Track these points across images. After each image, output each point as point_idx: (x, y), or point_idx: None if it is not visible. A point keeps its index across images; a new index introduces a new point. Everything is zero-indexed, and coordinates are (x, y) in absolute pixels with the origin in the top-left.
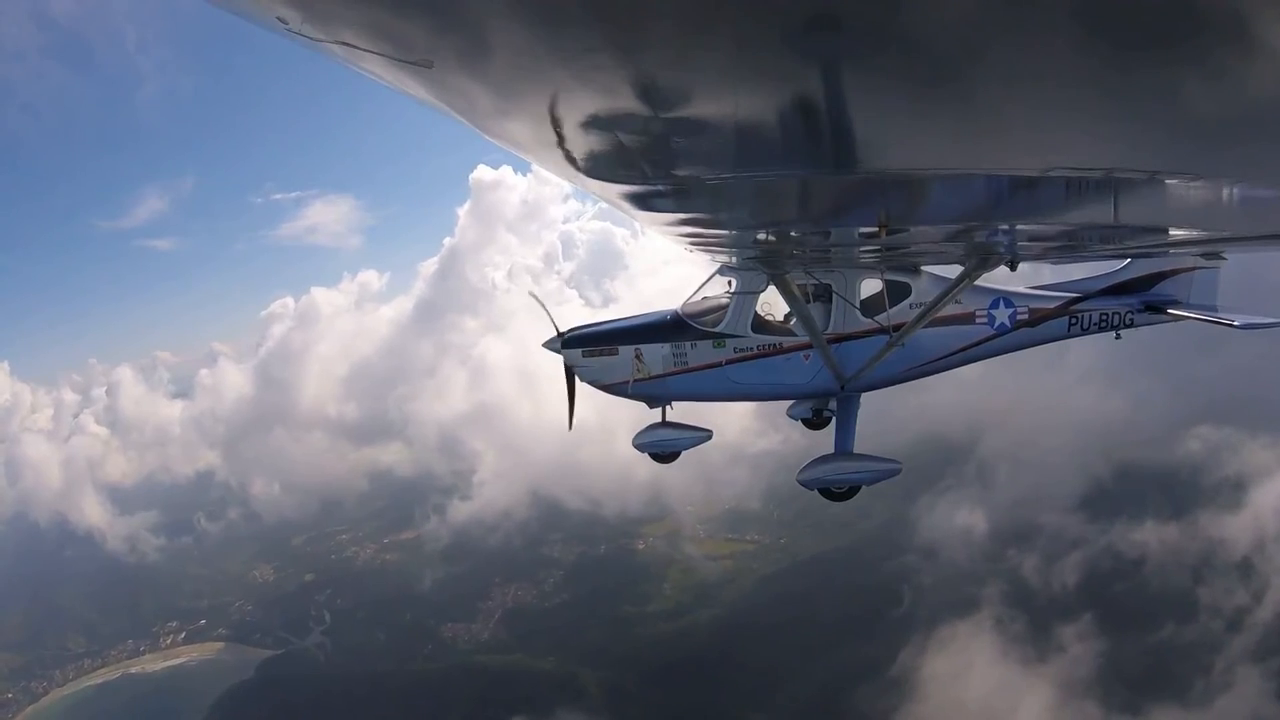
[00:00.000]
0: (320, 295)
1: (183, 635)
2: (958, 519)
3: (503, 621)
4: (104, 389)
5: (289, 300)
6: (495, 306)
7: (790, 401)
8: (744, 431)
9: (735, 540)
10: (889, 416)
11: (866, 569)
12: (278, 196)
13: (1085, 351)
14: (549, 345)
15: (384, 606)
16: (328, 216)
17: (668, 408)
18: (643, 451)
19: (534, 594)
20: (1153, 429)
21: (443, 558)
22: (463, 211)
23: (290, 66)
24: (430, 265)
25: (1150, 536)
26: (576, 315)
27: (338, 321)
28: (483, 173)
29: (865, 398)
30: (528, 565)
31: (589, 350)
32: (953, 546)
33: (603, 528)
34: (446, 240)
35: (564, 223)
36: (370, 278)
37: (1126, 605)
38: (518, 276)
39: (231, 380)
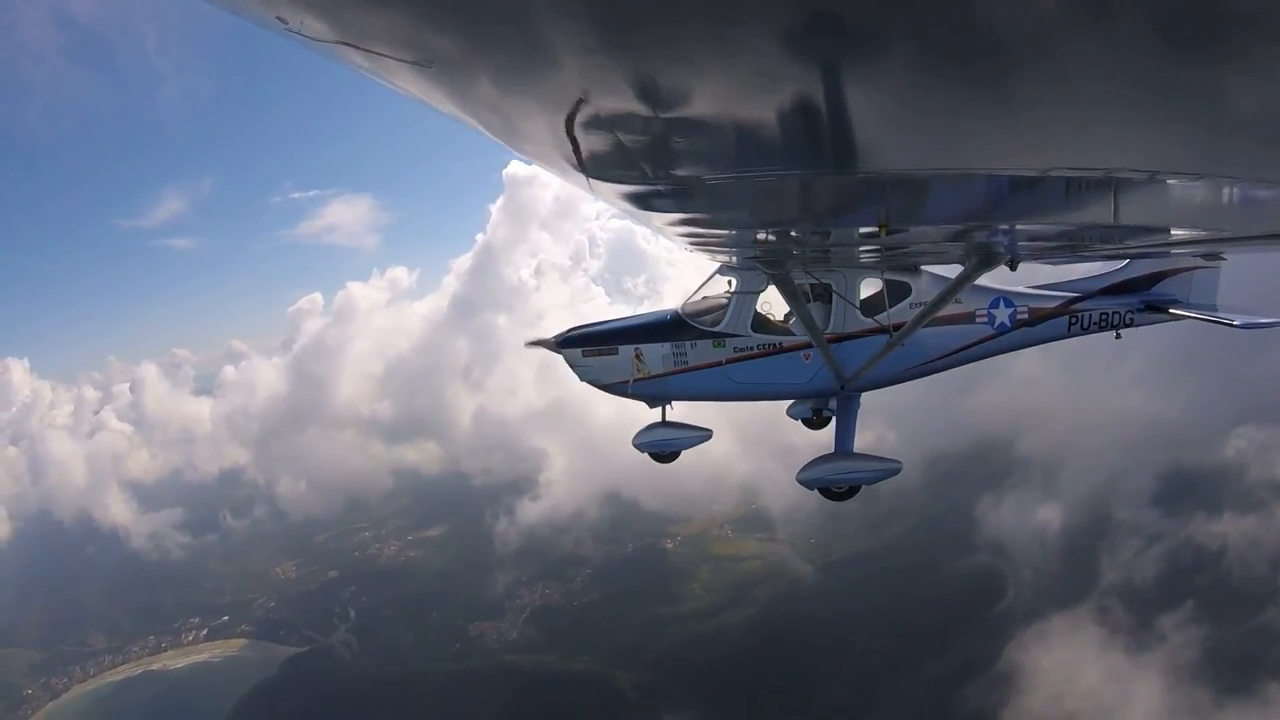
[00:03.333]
0: (355, 291)
1: (205, 632)
2: (1024, 517)
3: (531, 621)
4: (124, 386)
5: (317, 296)
6: (527, 304)
7: (790, 401)
8: (763, 431)
9: (765, 540)
10: (942, 418)
11: (909, 569)
12: (296, 195)
13: (1119, 358)
14: (549, 345)
15: (409, 604)
16: (346, 216)
17: (668, 407)
18: (642, 451)
19: (562, 593)
20: (1198, 430)
21: (468, 555)
22: (495, 208)
23: (309, 66)
24: (460, 262)
25: (1229, 529)
26: (603, 312)
27: (370, 318)
28: (517, 169)
29: (916, 403)
30: (554, 564)
31: (589, 350)
32: (1025, 544)
33: (629, 527)
34: (479, 236)
35: (595, 219)
36: (400, 274)
37: (1217, 594)
38: (545, 274)
39: (258, 377)
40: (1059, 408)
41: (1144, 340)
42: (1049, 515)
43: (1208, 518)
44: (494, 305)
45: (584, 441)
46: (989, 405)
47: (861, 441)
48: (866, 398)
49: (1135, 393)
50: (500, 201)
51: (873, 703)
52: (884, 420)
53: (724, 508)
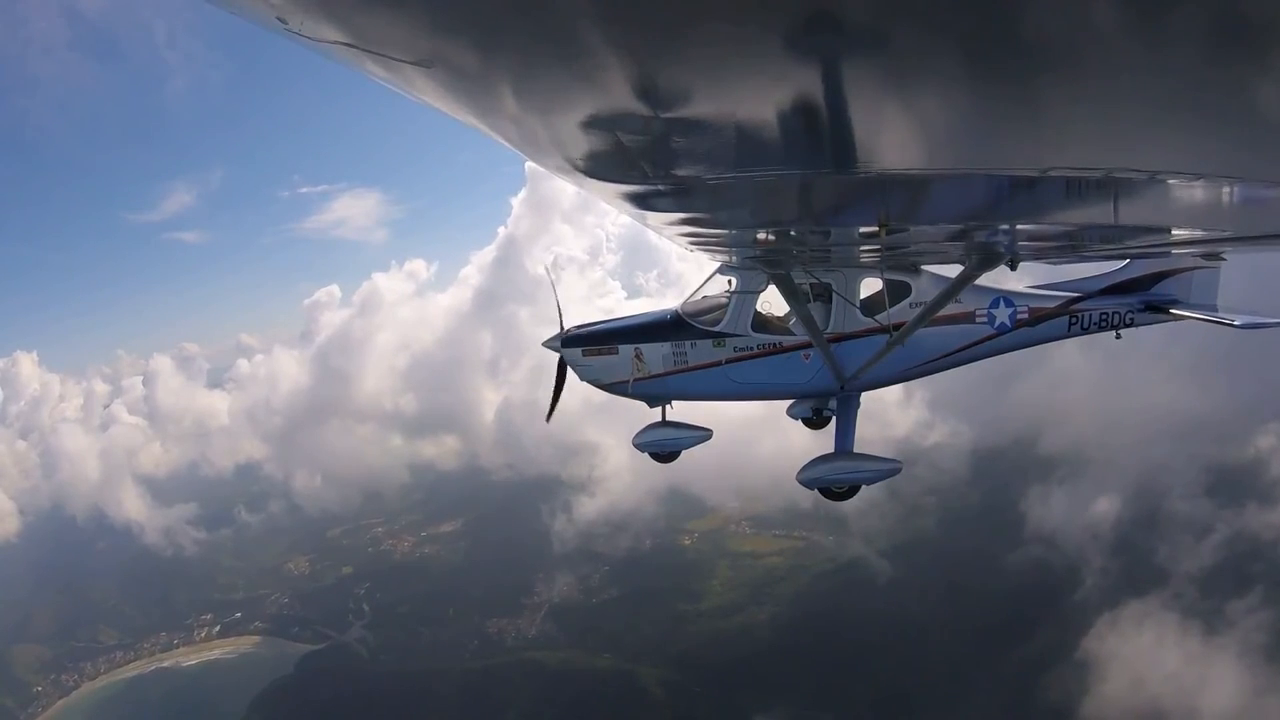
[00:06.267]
0: (378, 282)
1: (218, 628)
2: (1076, 509)
3: (550, 617)
4: (134, 380)
5: (335, 288)
6: (550, 298)
7: (790, 401)
8: (772, 428)
9: (783, 536)
10: (980, 412)
11: (938, 562)
12: (304, 190)
13: (1147, 357)
14: (549, 344)
15: (425, 601)
16: (354, 210)
17: (668, 407)
18: (643, 451)
19: (580, 589)
20: (1229, 426)
21: (483, 551)
22: (517, 200)
23: (317, 59)
24: (479, 255)
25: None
26: (624, 307)
27: (393, 310)
28: None
29: (956, 398)
30: (571, 560)
31: (589, 349)
32: (1077, 535)
33: (646, 524)
34: (501, 229)
35: (611, 212)
36: (418, 267)
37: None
38: (562, 268)
39: (270, 370)
40: (1086, 403)
41: (1177, 339)
42: (1103, 506)
43: (1260, 508)
44: (518, 298)
45: (606, 437)
46: (1022, 400)
47: (934, 436)
48: (933, 391)
49: (1163, 389)
50: (522, 194)
51: (919, 698)
52: (955, 415)
53: (740, 503)
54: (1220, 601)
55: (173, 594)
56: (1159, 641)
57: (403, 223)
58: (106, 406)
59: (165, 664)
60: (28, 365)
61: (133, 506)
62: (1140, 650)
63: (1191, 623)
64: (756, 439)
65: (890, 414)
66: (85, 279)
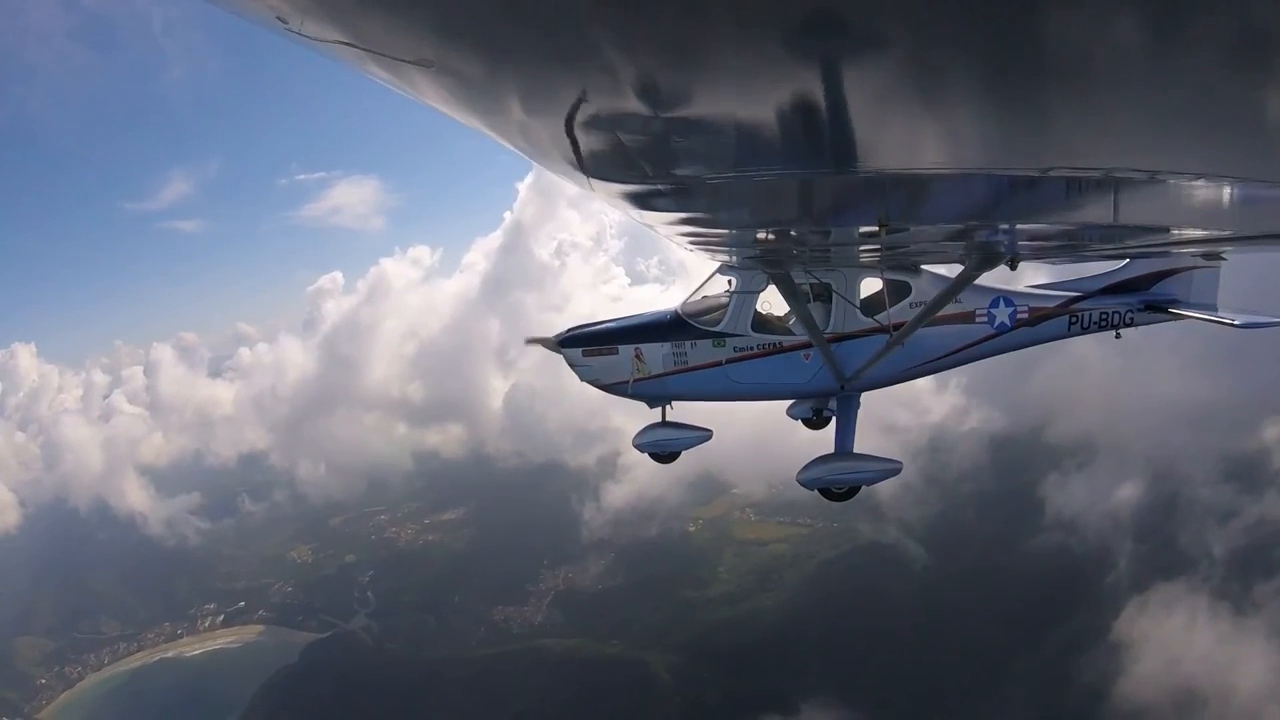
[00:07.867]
0: (385, 268)
1: (221, 618)
2: (1093, 498)
3: (556, 604)
4: (134, 370)
5: (338, 275)
6: (556, 284)
7: (790, 401)
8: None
9: (787, 524)
10: (1002, 400)
11: (963, 551)
12: (302, 177)
13: (1153, 353)
14: (550, 345)
15: (429, 588)
16: (353, 197)
17: (668, 407)
18: (642, 452)
19: (585, 577)
20: (1241, 416)
21: (488, 539)
22: (524, 186)
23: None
24: (483, 241)
25: None
26: (629, 293)
27: (401, 298)
28: None
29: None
30: (575, 548)
31: (589, 350)
32: (1100, 523)
33: (650, 511)
34: (506, 214)
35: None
36: (422, 253)
37: None
38: (566, 254)
39: (272, 359)
40: (1102, 393)
41: (1188, 335)
42: (1126, 493)
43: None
44: (525, 284)
45: (628, 424)
46: (1040, 390)
47: (972, 423)
48: (978, 380)
49: (1175, 381)
50: (529, 179)
51: (924, 685)
52: (990, 405)
53: (745, 492)
54: (1247, 584)
55: (176, 584)
56: (1190, 624)
57: (401, 210)
58: (106, 397)
59: (169, 654)
60: (26, 357)
61: (135, 497)
62: (1171, 632)
63: (1220, 605)
64: (790, 427)
65: (924, 400)
66: (82, 269)
